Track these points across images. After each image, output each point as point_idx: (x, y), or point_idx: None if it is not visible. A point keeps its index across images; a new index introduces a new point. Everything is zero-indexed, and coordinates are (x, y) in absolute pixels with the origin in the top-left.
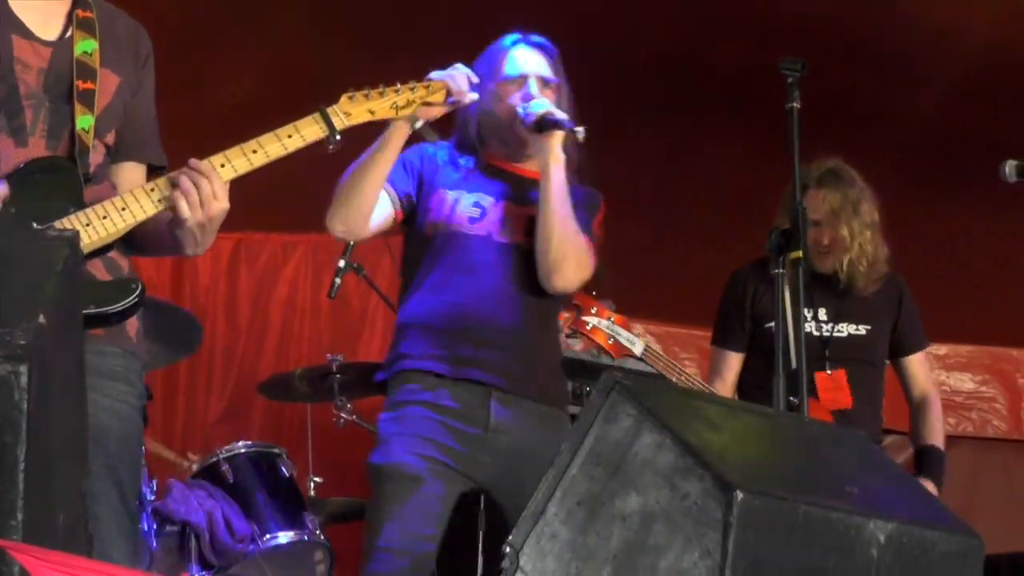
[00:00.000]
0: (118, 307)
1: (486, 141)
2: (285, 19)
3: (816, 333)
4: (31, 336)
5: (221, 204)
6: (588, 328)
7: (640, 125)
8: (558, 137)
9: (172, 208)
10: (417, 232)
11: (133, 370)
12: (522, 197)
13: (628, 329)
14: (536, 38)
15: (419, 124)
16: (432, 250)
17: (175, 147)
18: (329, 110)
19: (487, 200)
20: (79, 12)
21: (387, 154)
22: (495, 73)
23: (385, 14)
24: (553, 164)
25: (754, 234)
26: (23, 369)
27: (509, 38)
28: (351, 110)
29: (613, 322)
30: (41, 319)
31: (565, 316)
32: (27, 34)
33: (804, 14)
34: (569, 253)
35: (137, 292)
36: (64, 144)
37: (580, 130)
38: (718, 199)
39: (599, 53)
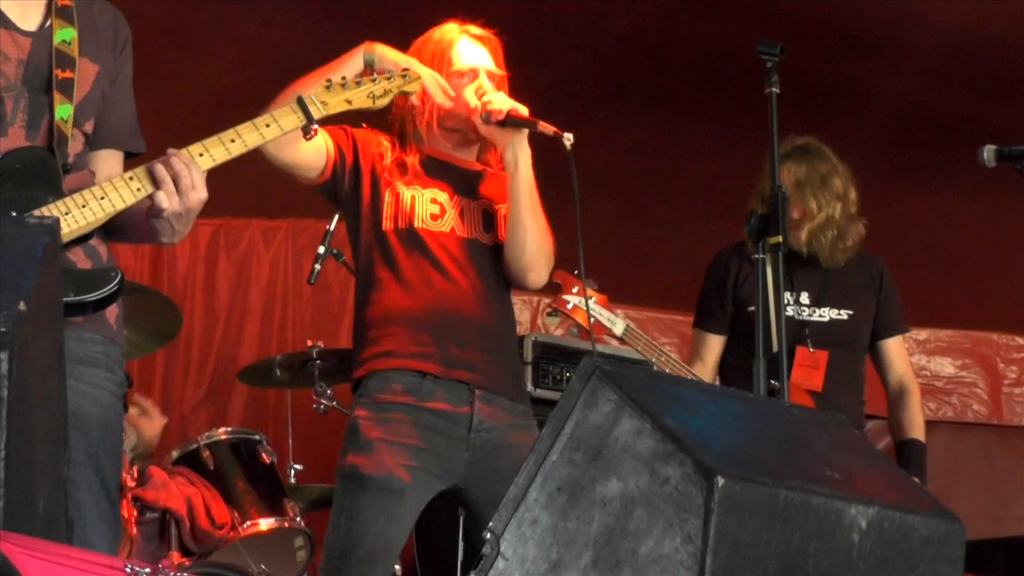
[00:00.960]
0: (97, 295)
1: (429, 134)
2: (261, 3)
3: (797, 317)
4: (11, 324)
5: (199, 194)
6: (569, 307)
7: (615, 108)
8: (525, 132)
9: (150, 197)
10: (374, 229)
11: (113, 357)
12: (472, 191)
13: (609, 309)
14: (477, 30)
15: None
16: (395, 247)
17: (152, 134)
18: (306, 99)
19: (442, 196)
20: (58, 1)
21: (341, 71)
22: (443, 65)
23: (361, 4)
24: (523, 160)
25: (732, 217)
26: (3, 357)
27: (450, 29)
28: (328, 99)
29: (594, 301)
30: (21, 306)
31: (548, 299)
32: (7, 24)
33: None
34: (544, 249)
35: (116, 280)
36: (43, 134)
37: (568, 136)
38: (695, 182)
39: (571, 34)
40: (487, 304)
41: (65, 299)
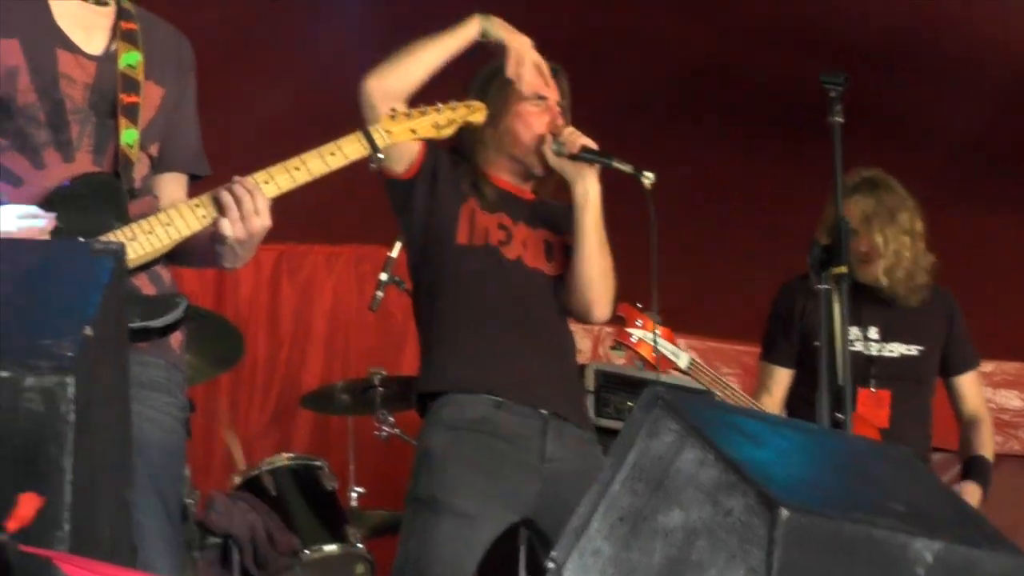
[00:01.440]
0: (162, 322)
1: (494, 160)
2: (323, 33)
3: (865, 352)
4: (77, 348)
5: (263, 221)
6: (633, 340)
7: (679, 137)
8: (595, 167)
9: (214, 223)
10: (447, 243)
11: (176, 382)
12: (532, 221)
13: (673, 342)
14: (546, 62)
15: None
16: (463, 269)
17: (215, 159)
18: (371, 128)
19: (508, 221)
20: (123, 24)
21: (450, 45)
22: (517, 93)
23: (422, 32)
24: (594, 195)
25: (796, 247)
26: (69, 380)
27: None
28: (392, 128)
29: (659, 335)
30: (87, 331)
31: (609, 329)
32: (72, 48)
33: (844, 25)
34: (609, 284)
35: (182, 307)
36: (109, 159)
37: (648, 175)
38: (758, 212)
39: (640, 63)
40: (554, 332)
41: (131, 325)
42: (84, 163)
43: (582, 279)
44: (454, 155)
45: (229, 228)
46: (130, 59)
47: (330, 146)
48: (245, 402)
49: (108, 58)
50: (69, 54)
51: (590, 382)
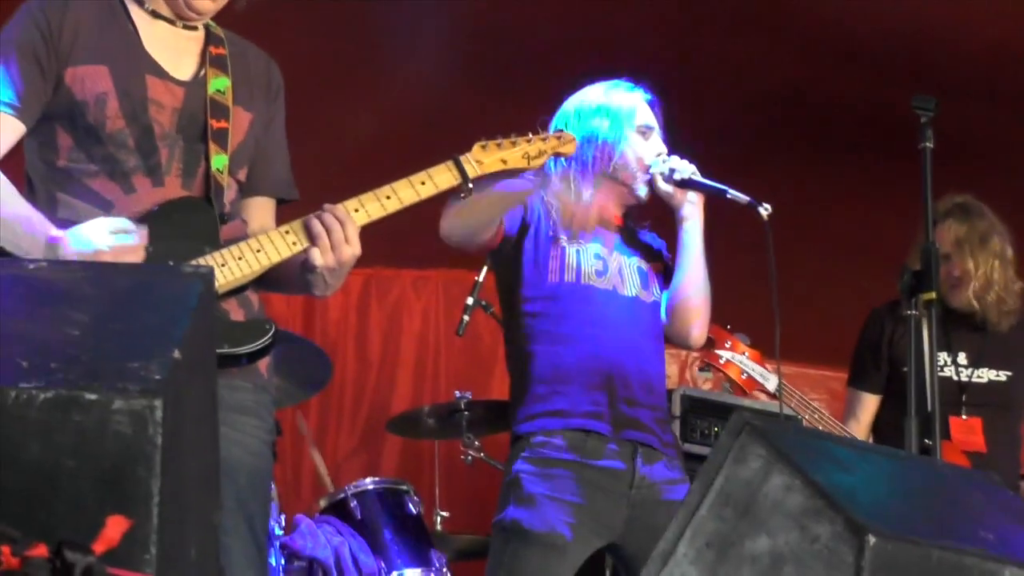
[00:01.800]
0: (251, 348)
1: (595, 186)
2: (409, 62)
3: (955, 378)
4: (166, 371)
5: (353, 250)
6: (721, 362)
7: (765, 162)
8: (701, 196)
9: (305, 250)
10: (539, 282)
11: (263, 405)
12: (627, 248)
13: (762, 364)
14: (648, 92)
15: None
16: (563, 301)
17: (303, 185)
18: (462, 158)
19: (603, 251)
20: (212, 49)
21: (523, 197)
22: (627, 118)
23: (508, 60)
24: (699, 222)
25: (882, 272)
26: (157, 403)
27: (628, 84)
28: (483, 159)
29: (747, 357)
30: (176, 354)
31: (696, 353)
32: (161, 74)
33: (935, 51)
34: (708, 308)
35: (270, 334)
36: (199, 183)
37: (766, 207)
38: (844, 236)
39: (722, 88)
40: (652, 362)
41: (220, 351)
42: (173, 188)
43: (686, 304)
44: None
45: (319, 257)
46: (219, 84)
47: (421, 175)
48: (333, 425)
49: (197, 83)
50: (158, 80)
51: (677, 407)
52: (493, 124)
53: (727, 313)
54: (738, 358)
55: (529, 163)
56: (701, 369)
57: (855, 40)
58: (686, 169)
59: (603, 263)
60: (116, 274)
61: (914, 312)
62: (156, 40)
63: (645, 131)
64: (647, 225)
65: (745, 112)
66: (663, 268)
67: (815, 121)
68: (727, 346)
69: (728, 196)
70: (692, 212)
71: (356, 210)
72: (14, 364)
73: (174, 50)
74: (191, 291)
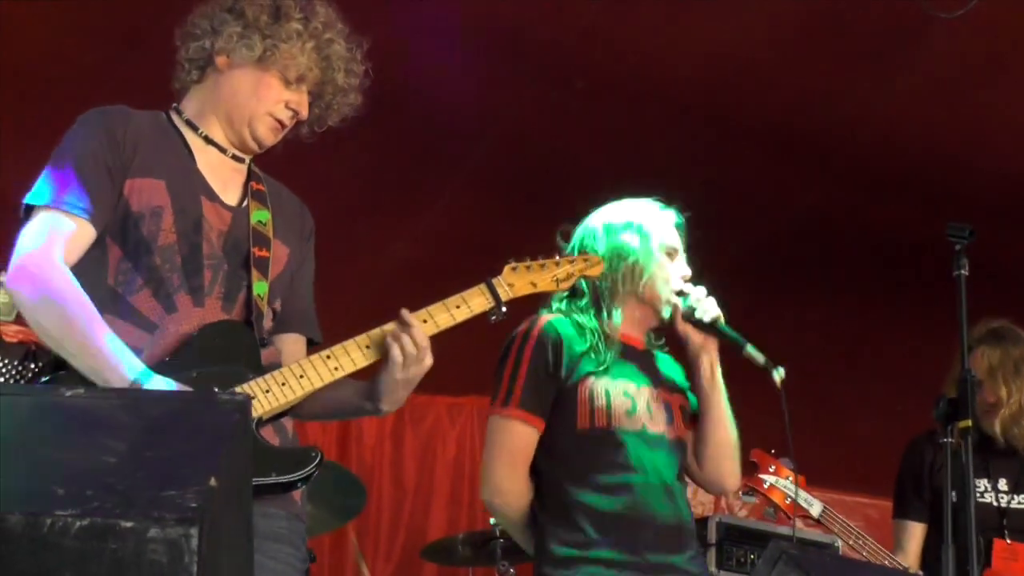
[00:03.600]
0: (298, 476)
1: (619, 307)
2: (448, 180)
3: (995, 504)
4: (202, 499)
5: (427, 362)
6: (765, 486)
7: (797, 288)
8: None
9: (385, 360)
10: (566, 426)
11: (297, 532)
12: (654, 380)
13: (807, 491)
14: (678, 213)
15: None
16: (588, 444)
17: (339, 309)
18: (495, 282)
19: (631, 387)
20: (253, 184)
21: None
22: (656, 236)
23: (544, 186)
24: (717, 367)
25: (919, 400)
26: (193, 532)
27: (659, 203)
28: (515, 281)
29: (791, 481)
30: (212, 482)
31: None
32: (212, 196)
33: (965, 178)
34: (738, 453)
35: (317, 461)
36: (239, 308)
37: (780, 371)
38: (878, 363)
39: (753, 215)
40: (677, 501)
41: (265, 479)
42: (213, 310)
43: (715, 454)
44: (562, 316)
45: (400, 371)
46: (261, 216)
47: (456, 299)
48: (370, 552)
49: (242, 211)
50: (210, 202)
51: (712, 534)
52: (528, 250)
53: (771, 438)
54: (782, 483)
55: (558, 286)
56: (745, 493)
57: (888, 168)
58: (711, 312)
59: (631, 402)
60: (152, 402)
61: (950, 440)
62: (207, 164)
63: (672, 252)
64: (666, 348)
65: (779, 239)
66: (686, 399)
67: (850, 248)
68: (771, 471)
69: (745, 352)
70: (711, 360)
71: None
72: (50, 491)
73: (223, 177)
74: (227, 419)
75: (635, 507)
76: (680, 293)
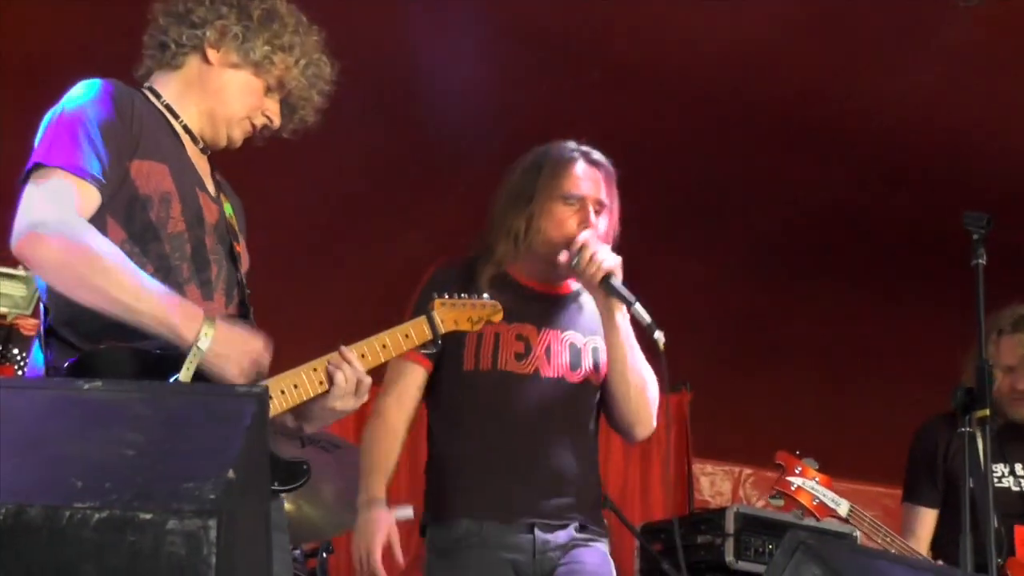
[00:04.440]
0: (291, 487)
1: (519, 259)
2: (460, 180)
3: (1015, 488)
4: (220, 491)
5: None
6: (792, 489)
7: (815, 277)
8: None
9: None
10: (456, 369)
11: (284, 519)
12: (558, 323)
13: (832, 490)
14: (597, 155)
15: None
16: (475, 391)
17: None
18: (433, 316)
19: (528, 329)
20: (216, 175)
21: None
22: (553, 187)
23: None
24: (619, 313)
25: (935, 389)
26: (212, 524)
27: (569, 149)
28: (444, 317)
29: (818, 482)
30: (230, 474)
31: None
32: (203, 187)
33: (986, 168)
34: (647, 400)
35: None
36: (235, 303)
37: (660, 335)
38: (893, 351)
39: (772, 206)
40: (568, 447)
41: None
42: (220, 304)
43: (620, 401)
44: (458, 268)
45: (340, 401)
46: (228, 209)
47: (405, 327)
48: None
49: (221, 203)
50: (204, 194)
51: (730, 525)
52: None
53: (794, 439)
54: (809, 484)
55: (472, 327)
56: (772, 497)
57: (905, 157)
58: (602, 265)
59: (525, 344)
60: (170, 394)
61: (968, 429)
62: (193, 153)
63: (576, 200)
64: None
65: (797, 230)
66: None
67: (868, 238)
68: (797, 472)
69: (633, 308)
70: (609, 306)
71: (362, 355)
72: (69, 484)
73: (202, 168)
74: (245, 410)
75: (512, 452)
76: (575, 245)
